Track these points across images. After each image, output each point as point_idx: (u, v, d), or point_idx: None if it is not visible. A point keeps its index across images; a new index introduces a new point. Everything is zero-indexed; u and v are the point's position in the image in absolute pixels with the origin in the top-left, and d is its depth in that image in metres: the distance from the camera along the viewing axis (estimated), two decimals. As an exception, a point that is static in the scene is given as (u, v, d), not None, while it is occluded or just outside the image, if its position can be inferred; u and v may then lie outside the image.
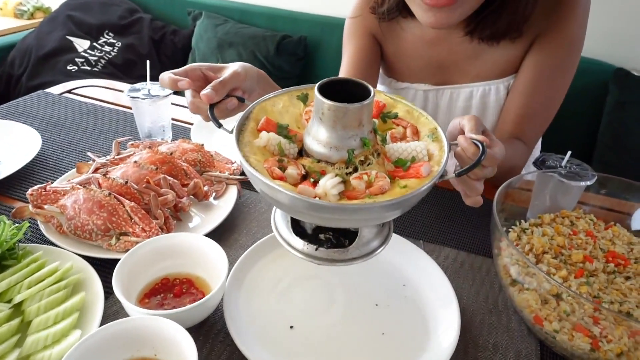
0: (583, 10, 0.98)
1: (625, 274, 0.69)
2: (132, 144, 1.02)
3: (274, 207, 0.68)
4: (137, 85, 1.08)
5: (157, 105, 1.06)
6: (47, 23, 2.21)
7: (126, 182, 0.82)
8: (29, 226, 0.79)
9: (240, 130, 0.61)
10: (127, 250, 0.70)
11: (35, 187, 0.81)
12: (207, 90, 0.69)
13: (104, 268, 0.73)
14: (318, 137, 0.58)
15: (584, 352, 0.59)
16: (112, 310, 0.68)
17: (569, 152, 0.84)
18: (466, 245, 0.85)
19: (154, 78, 1.09)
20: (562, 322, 0.61)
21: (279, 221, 0.67)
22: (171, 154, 0.93)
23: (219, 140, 1.13)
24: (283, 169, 0.57)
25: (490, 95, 1.05)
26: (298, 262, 0.73)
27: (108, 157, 0.96)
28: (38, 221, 0.79)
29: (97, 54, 2.05)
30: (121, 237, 0.76)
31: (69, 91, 1.40)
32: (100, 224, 0.75)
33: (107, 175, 0.84)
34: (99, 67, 2.03)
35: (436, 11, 0.84)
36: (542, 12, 0.97)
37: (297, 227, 0.64)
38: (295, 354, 0.63)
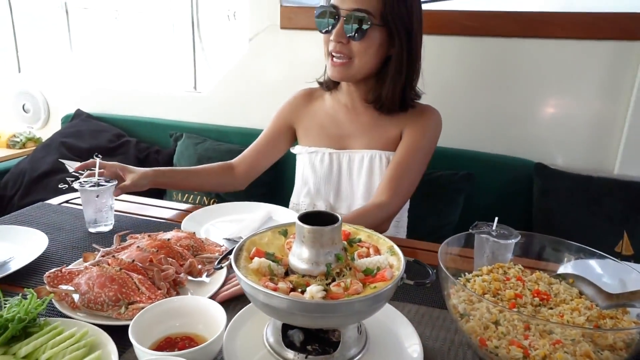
0: (433, 129, 1.44)
1: (549, 306, 0.85)
2: (131, 236, 1.16)
3: (266, 326, 0.82)
4: (86, 179, 1.34)
5: (101, 193, 1.29)
6: (41, 149, 2.42)
7: (133, 261, 0.96)
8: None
9: (236, 259, 0.78)
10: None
11: (52, 270, 0.94)
12: None
13: (115, 333, 0.83)
14: (301, 256, 0.75)
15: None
16: (125, 366, 0.78)
17: (497, 218, 1.05)
18: (425, 301, 1.00)
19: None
20: (500, 340, 0.75)
21: (270, 337, 0.81)
22: (168, 240, 1.08)
23: (207, 231, 1.29)
24: (274, 284, 0.72)
25: (375, 161, 1.43)
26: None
27: (111, 248, 1.10)
28: (53, 300, 0.90)
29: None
30: (129, 306, 0.88)
31: (67, 201, 1.56)
32: (111, 295, 0.87)
33: (115, 256, 0.98)
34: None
35: (336, 68, 1.36)
36: (412, 113, 1.43)
37: (287, 341, 0.78)
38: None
